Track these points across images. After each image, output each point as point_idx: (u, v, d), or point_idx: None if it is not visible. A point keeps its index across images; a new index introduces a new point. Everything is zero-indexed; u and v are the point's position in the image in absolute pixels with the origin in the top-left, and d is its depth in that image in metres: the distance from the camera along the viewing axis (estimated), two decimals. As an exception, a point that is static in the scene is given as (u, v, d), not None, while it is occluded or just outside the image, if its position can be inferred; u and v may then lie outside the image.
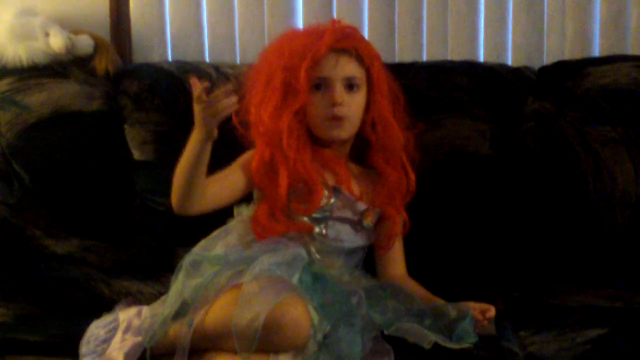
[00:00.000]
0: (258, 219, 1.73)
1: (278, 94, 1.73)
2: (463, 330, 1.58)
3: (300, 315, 1.48)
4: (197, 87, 1.52)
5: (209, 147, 1.59)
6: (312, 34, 1.78)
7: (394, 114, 1.83)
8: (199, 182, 1.62)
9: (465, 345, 1.57)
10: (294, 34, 1.84)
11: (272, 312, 1.44)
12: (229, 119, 1.80)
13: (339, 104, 1.74)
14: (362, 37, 1.84)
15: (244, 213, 1.80)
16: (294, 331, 1.47)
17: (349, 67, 1.76)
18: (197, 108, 1.54)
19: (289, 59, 1.73)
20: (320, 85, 1.75)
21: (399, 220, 1.83)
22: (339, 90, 1.74)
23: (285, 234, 1.71)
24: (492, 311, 1.62)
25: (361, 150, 1.85)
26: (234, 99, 1.53)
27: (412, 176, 1.83)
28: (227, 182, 1.75)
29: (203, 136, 1.56)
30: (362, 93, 1.78)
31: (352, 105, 1.76)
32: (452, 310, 1.63)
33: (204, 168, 1.61)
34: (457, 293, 1.71)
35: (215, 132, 1.56)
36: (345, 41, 1.76)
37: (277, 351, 1.49)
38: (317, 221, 1.75)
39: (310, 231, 1.74)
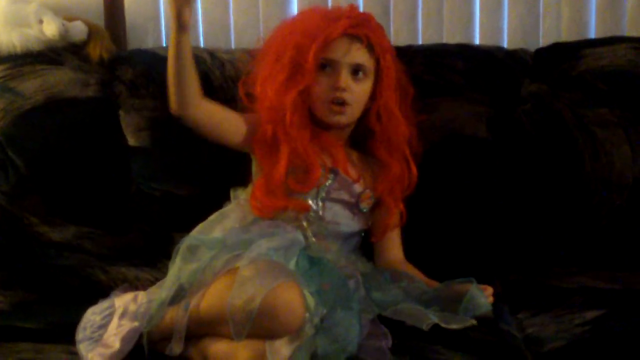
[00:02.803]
0: (256, 194, 1.73)
1: (286, 70, 1.73)
2: (473, 300, 1.60)
3: (295, 300, 1.47)
4: None
5: (186, 39, 1.60)
6: (329, 16, 1.78)
7: (400, 107, 1.82)
8: (188, 80, 1.63)
9: (470, 322, 1.58)
10: (311, 14, 1.84)
11: (267, 296, 1.44)
12: (232, 98, 1.82)
13: (342, 89, 1.73)
14: (377, 27, 1.81)
15: (241, 196, 1.80)
16: (288, 316, 1.46)
17: (359, 55, 1.75)
18: None
19: (300, 37, 1.74)
20: (326, 66, 1.75)
21: (395, 212, 1.83)
22: (345, 75, 1.74)
23: (282, 214, 1.72)
24: (489, 289, 1.65)
25: (365, 139, 1.85)
26: None
27: (414, 170, 1.83)
28: (228, 115, 1.76)
29: (176, 23, 1.57)
30: (368, 82, 1.78)
31: (356, 92, 1.76)
32: (454, 286, 1.65)
33: (188, 65, 1.62)
34: (455, 276, 1.71)
35: (188, 20, 1.57)
36: (359, 28, 1.75)
37: (271, 336, 1.48)
38: (314, 202, 1.75)
39: (306, 210, 1.74)
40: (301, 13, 1.86)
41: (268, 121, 1.74)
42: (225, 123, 1.75)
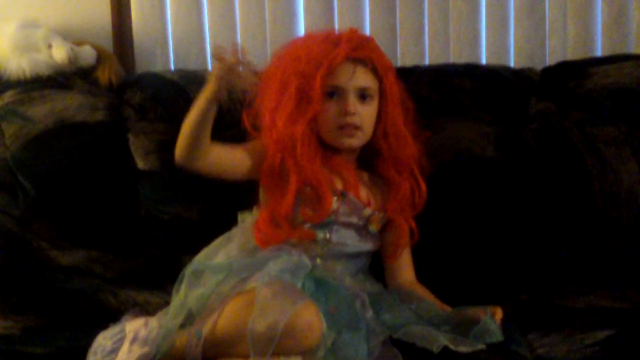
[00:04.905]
0: (259, 225, 1.73)
1: (292, 100, 1.72)
2: (485, 327, 1.60)
3: (314, 320, 1.49)
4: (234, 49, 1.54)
5: (214, 108, 1.58)
6: (328, 40, 1.76)
7: (406, 125, 1.82)
8: (202, 140, 1.62)
9: (479, 347, 1.58)
10: (309, 39, 1.83)
11: (289, 319, 1.45)
12: (239, 122, 1.81)
13: (351, 113, 1.73)
14: (377, 47, 1.81)
15: (247, 220, 1.80)
16: (308, 335, 1.48)
17: (364, 78, 1.75)
18: (218, 64, 1.54)
19: (304, 65, 1.72)
20: (333, 93, 1.75)
21: (406, 230, 1.83)
22: (352, 100, 1.74)
23: (286, 240, 1.71)
24: (499, 313, 1.65)
25: (371, 159, 1.85)
26: (254, 79, 1.56)
27: (423, 187, 1.83)
28: (233, 156, 1.75)
29: (210, 94, 1.56)
30: (374, 103, 1.78)
31: (364, 115, 1.76)
32: (467, 311, 1.66)
33: (207, 128, 1.61)
34: (464, 297, 1.72)
35: (224, 96, 1.56)
36: (361, 51, 1.75)
37: (288, 354, 1.48)
38: (321, 226, 1.75)
39: (311, 238, 1.74)
40: (299, 39, 1.84)
41: (276, 152, 1.73)
42: (229, 164, 1.74)
